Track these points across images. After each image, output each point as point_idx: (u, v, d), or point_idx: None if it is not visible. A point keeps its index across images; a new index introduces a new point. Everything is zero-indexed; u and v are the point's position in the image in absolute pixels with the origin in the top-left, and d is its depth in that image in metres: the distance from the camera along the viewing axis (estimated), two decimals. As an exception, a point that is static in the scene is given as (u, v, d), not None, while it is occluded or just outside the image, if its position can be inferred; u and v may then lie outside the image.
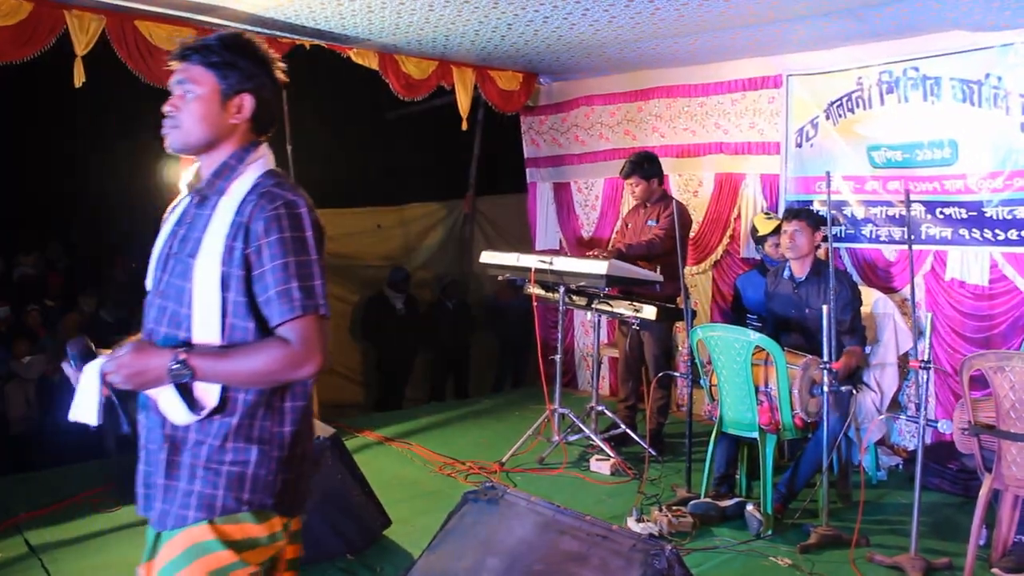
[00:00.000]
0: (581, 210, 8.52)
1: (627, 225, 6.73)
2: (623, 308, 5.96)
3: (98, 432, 6.95)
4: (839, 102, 6.35)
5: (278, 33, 6.39)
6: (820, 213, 5.51)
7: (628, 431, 6.35)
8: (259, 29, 6.23)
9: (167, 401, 2.21)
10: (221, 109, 2.30)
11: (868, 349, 5.59)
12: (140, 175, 7.89)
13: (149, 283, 2.36)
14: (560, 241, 8.72)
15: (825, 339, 4.65)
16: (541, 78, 8.48)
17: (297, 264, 2.18)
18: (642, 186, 6.43)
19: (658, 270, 6.05)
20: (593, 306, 6.16)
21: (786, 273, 5.53)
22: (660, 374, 6.09)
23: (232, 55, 2.31)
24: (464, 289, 9.91)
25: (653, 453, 5.95)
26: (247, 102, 2.33)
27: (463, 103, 7.66)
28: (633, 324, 6.06)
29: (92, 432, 6.66)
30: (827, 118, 6.44)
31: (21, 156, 10.72)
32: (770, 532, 4.85)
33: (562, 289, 6.17)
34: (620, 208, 7.89)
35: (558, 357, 6.35)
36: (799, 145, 6.64)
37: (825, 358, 4.67)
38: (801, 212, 5.37)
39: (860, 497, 4.77)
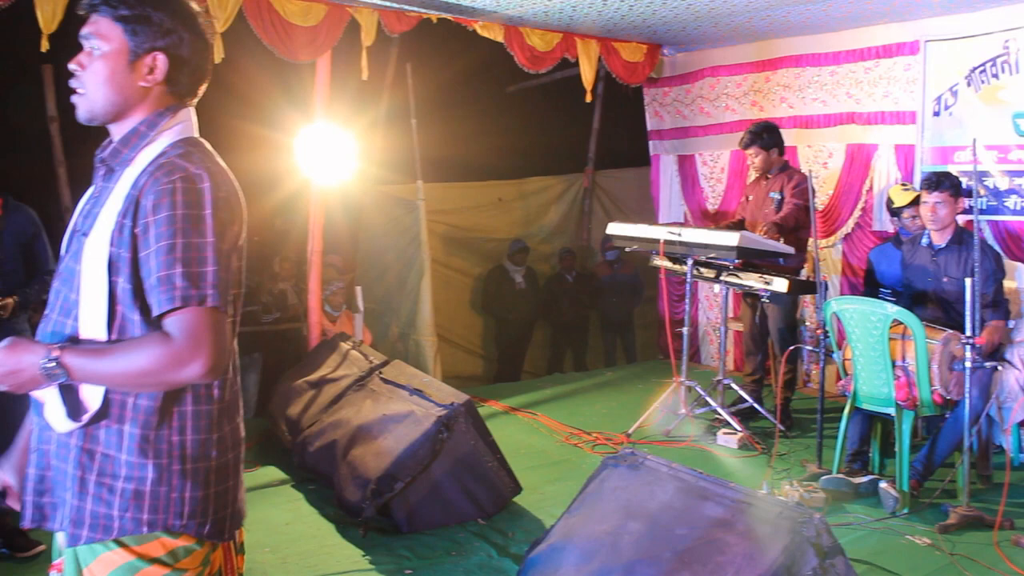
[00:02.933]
0: (706, 183, 8.41)
1: (748, 198, 6.62)
2: (753, 280, 5.87)
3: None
4: (982, 68, 6.10)
5: (405, 7, 6.45)
6: (962, 182, 5.30)
7: (755, 405, 6.27)
8: (387, 3, 6.32)
9: (49, 404, 1.97)
10: (129, 69, 2.01)
11: (1011, 324, 5.37)
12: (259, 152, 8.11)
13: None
14: (684, 214, 8.63)
15: (968, 312, 4.48)
16: (665, 49, 8.39)
17: (185, 246, 1.87)
18: (762, 156, 6.31)
19: (782, 242, 5.93)
20: (722, 278, 6.09)
21: (924, 241, 5.33)
22: (789, 348, 5.98)
23: (144, 7, 2.00)
24: (583, 262, 9.90)
25: (782, 428, 5.87)
26: (160, 62, 2.02)
27: (587, 75, 7.64)
28: (763, 297, 5.97)
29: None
30: (968, 85, 6.20)
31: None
32: (906, 510, 4.73)
33: (690, 261, 6.12)
34: (746, 180, 7.76)
35: (685, 330, 6.30)
36: (936, 114, 6.41)
37: (968, 332, 4.51)
38: (944, 182, 5.17)
39: (1005, 479, 4.62)
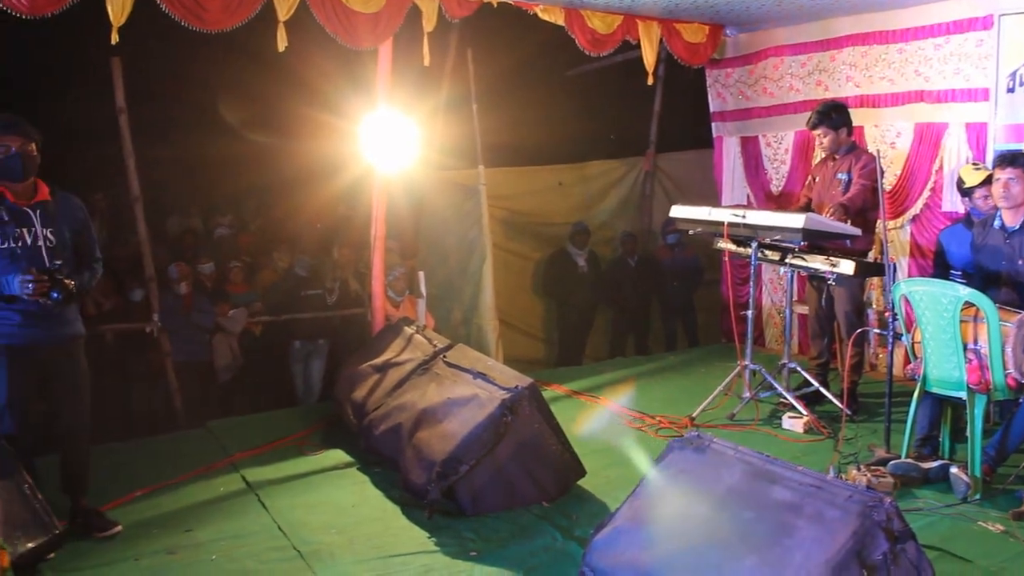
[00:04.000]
0: (770, 164, 8.30)
1: (814, 178, 6.52)
2: (819, 263, 5.80)
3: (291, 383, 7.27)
4: (1059, 41, 5.92)
5: (466, -9, 6.48)
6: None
7: (821, 389, 6.20)
8: (447, -11, 6.33)
9: None
10: None
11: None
12: (324, 139, 8.18)
13: None
14: (748, 196, 8.52)
15: (1044, 294, 4.38)
16: (727, 30, 8.28)
17: None
18: (830, 136, 6.21)
19: (849, 223, 5.84)
20: (787, 261, 6.02)
21: (996, 223, 5.20)
22: (857, 331, 5.89)
23: None
24: (645, 246, 9.85)
25: (848, 412, 5.79)
26: None
27: (648, 57, 7.59)
28: (829, 279, 5.89)
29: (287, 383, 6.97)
30: (1045, 59, 6.01)
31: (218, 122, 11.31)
32: (978, 496, 4.64)
33: (754, 244, 6.06)
34: (811, 161, 7.64)
35: (750, 313, 6.25)
36: (1011, 90, 6.22)
37: (1043, 315, 4.41)
38: (1017, 158, 5.02)
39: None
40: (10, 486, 4.01)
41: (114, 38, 5.31)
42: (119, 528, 4.41)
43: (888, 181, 6.84)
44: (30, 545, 3.93)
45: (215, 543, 4.32)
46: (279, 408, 7.20)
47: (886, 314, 5.28)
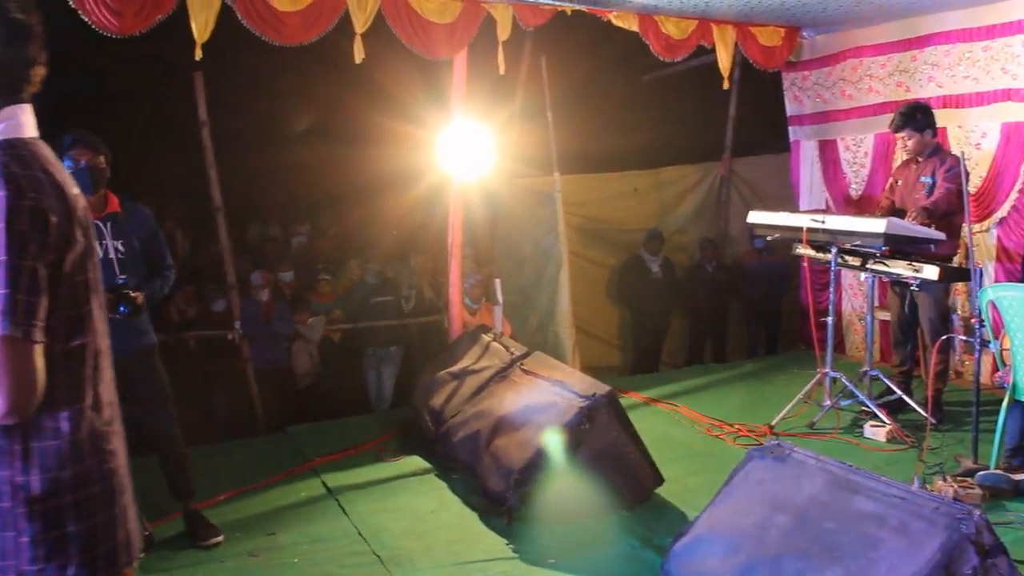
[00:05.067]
0: (849, 168, 8.15)
1: (897, 182, 6.38)
2: (901, 268, 5.68)
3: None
4: None
5: (540, 0, 6.49)
6: None
7: (904, 397, 6.07)
8: (521, -3, 6.37)
9: None
10: None
11: None
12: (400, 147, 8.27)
13: None
14: (826, 201, 8.38)
15: None
16: (804, 32, 8.17)
17: None
18: (915, 139, 6.06)
19: (933, 228, 5.70)
20: (868, 266, 5.90)
21: (1090, 227, 5.06)
22: (942, 338, 5.74)
23: None
24: (723, 252, 9.75)
25: (933, 421, 5.65)
26: None
27: (724, 61, 7.53)
28: (912, 285, 5.76)
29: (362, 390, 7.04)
30: None
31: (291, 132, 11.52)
32: (1072, 509, 4.51)
33: (834, 249, 5.96)
34: (892, 165, 7.48)
35: (830, 319, 6.15)
36: (1103, 88, 6.04)
37: None
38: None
39: None
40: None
41: (198, 54, 5.46)
42: (220, 539, 4.51)
43: (973, 183, 6.68)
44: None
45: (296, 546, 4.40)
46: (356, 414, 7.30)
47: (972, 320, 5.15)
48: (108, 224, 4.32)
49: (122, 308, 4.13)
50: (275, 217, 12.12)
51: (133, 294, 4.18)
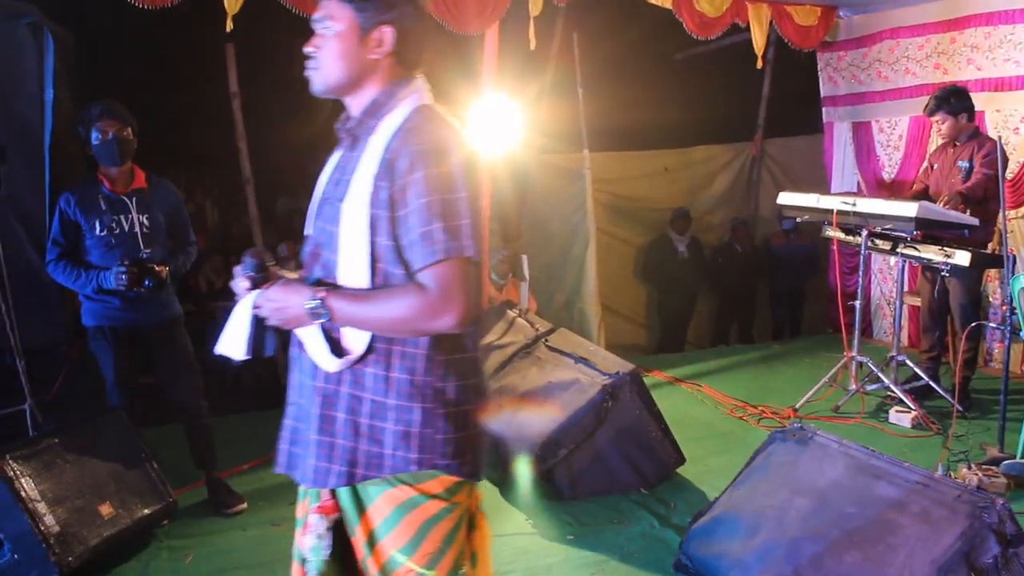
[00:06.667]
0: (882, 151, 8.05)
1: (932, 166, 6.28)
2: (932, 253, 5.62)
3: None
4: None
5: (571, -21, 6.46)
6: None
7: (931, 383, 6.01)
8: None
9: (313, 344, 2.15)
10: (360, 45, 2.13)
11: None
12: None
13: (309, 230, 2.29)
14: (858, 183, 8.30)
15: None
16: (840, 11, 8.06)
17: (443, 203, 1.99)
18: (949, 123, 5.96)
19: (967, 213, 5.62)
20: (898, 250, 5.84)
21: None
22: (971, 324, 5.68)
23: None
24: (754, 232, 9.68)
25: (959, 408, 5.61)
26: (387, 35, 2.13)
27: (758, 40, 7.44)
28: (943, 270, 5.70)
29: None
30: None
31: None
32: (1099, 500, 4.46)
33: (864, 232, 5.90)
34: (926, 148, 7.38)
35: (858, 303, 6.09)
36: None
37: None
38: None
39: None
40: (131, 456, 4.21)
41: (228, 25, 5.46)
42: (244, 506, 4.58)
43: (1011, 169, 6.57)
44: (146, 511, 4.12)
45: (319, 517, 4.43)
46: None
47: (1003, 308, 5.08)
48: (133, 199, 4.35)
49: (147, 282, 4.18)
50: (303, 189, 12.12)
51: (158, 268, 4.23)
